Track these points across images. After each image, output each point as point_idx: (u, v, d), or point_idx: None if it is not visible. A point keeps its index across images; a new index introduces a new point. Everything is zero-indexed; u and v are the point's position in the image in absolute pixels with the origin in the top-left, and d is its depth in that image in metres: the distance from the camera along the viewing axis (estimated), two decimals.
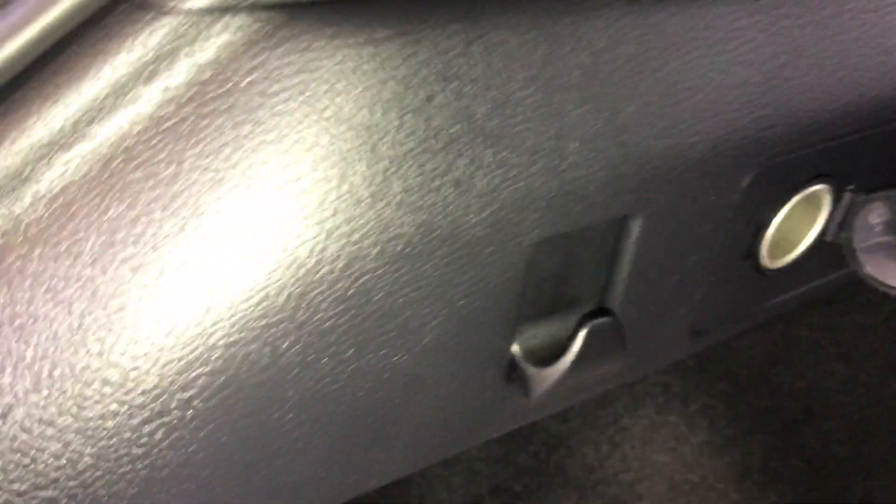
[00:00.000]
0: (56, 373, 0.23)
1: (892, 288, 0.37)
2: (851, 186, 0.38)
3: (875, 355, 0.63)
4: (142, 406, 0.23)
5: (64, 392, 0.23)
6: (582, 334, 0.29)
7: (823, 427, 0.60)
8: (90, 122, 0.22)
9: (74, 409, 0.23)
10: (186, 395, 0.23)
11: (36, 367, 0.23)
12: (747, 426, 0.59)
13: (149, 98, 0.23)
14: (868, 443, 0.59)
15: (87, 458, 0.23)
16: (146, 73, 0.23)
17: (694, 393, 0.60)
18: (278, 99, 0.23)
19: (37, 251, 0.23)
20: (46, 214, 0.23)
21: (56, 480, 0.23)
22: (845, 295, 0.61)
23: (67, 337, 0.23)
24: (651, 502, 0.55)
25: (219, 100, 0.23)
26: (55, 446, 0.23)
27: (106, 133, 0.23)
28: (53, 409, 0.23)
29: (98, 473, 0.24)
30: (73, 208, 0.23)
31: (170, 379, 0.23)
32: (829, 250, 0.40)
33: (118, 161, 0.23)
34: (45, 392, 0.23)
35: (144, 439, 0.23)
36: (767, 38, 0.30)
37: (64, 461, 0.23)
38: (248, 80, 0.23)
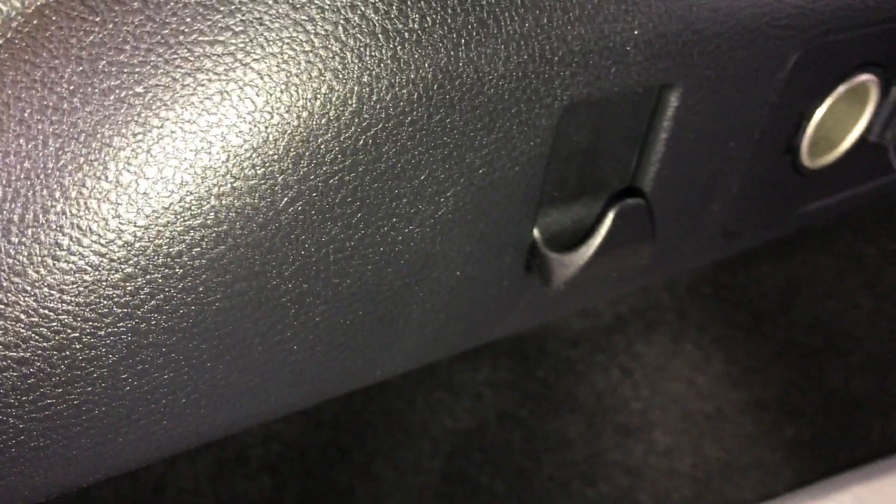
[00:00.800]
0: (28, 217, 0.20)
1: None
2: None
3: None
4: (123, 260, 0.21)
5: (37, 239, 0.21)
6: (610, 215, 0.27)
7: (845, 361, 0.58)
8: None
9: (48, 260, 0.21)
10: (174, 249, 0.21)
11: (5, 210, 0.20)
12: (766, 357, 0.57)
13: None
14: (890, 378, 0.56)
15: (62, 316, 0.21)
16: None
17: (711, 321, 0.58)
18: None
19: (8, 78, 0.20)
20: (18, 38, 0.20)
21: (27, 340, 0.21)
22: (872, 221, 0.58)
23: (41, 178, 0.20)
24: (663, 431, 0.52)
25: None
26: (26, 300, 0.21)
27: None
28: (24, 258, 0.21)
29: (74, 335, 0.21)
30: (49, 31, 0.20)
31: (155, 230, 0.20)
32: (873, 153, 0.37)
33: None
34: (15, 239, 0.20)
35: (126, 298, 0.21)
36: None
37: (36, 318, 0.21)
38: None
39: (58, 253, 0.20)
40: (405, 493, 0.54)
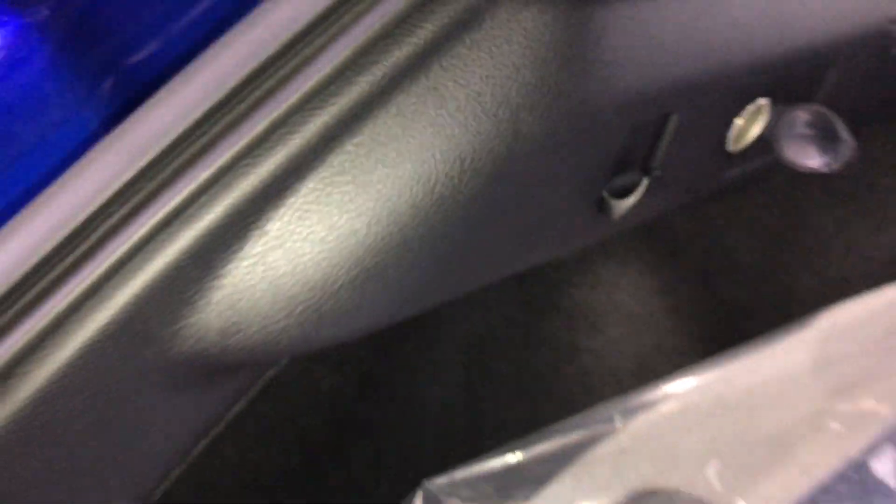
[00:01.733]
0: None
1: (803, 166, 0.60)
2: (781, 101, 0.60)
3: None
4: None
5: None
6: (644, 182, 0.49)
7: (735, 277, 0.84)
8: None
9: None
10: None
11: None
12: (680, 275, 0.82)
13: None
14: (769, 287, 0.83)
15: None
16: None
17: (642, 250, 0.82)
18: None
19: None
20: None
21: None
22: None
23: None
24: (616, 326, 0.77)
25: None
26: None
27: None
28: None
29: None
30: None
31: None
32: (766, 143, 0.62)
33: None
34: None
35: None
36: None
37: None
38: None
39: None
40: (436, 377, 0.76)
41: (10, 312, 0.29)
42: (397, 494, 0.62)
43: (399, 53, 0.34)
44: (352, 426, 0.73)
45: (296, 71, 0.32)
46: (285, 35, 0.32)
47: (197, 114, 0.31)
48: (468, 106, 0.36)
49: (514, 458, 0.66)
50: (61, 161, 0.31)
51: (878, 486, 0.57)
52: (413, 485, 0.62)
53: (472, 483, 0.65)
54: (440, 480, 0.65)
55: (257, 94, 0.32)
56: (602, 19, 0.39)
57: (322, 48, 0.33)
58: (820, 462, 0.63)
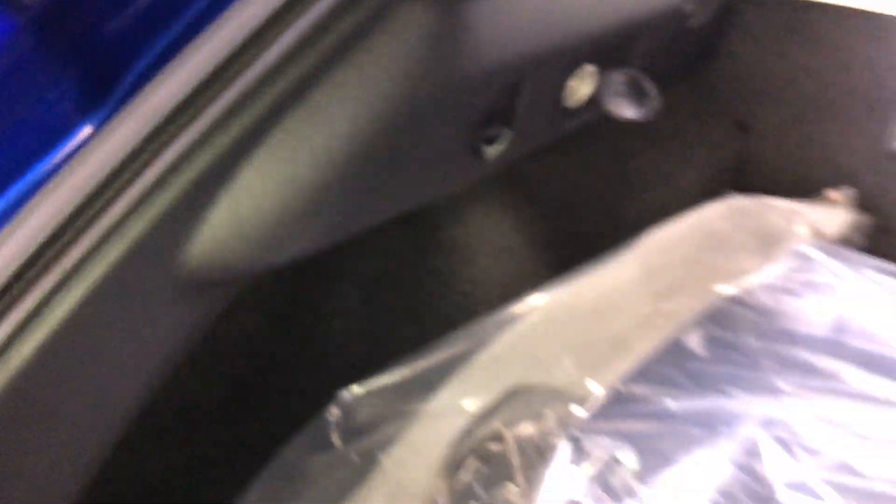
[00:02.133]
0: None
1: (622, 116, 0.76)
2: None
3: None
4: None
5: None
6: (507, 132, 0.64)
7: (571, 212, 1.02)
8: None
9: None
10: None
11: None
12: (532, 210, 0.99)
13: None
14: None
15: None
16: None
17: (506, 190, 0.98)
18: None
19: None
20: None
21: None
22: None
23: None
24: (484, 257, 0.93)
25: None
26: None
27: None
28: None
29: None
30: None
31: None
32: (596, 99, 0.78)
33: None
34: None
35: None
36: None
37: None
38: None
39: None
40: (339, 312, 0.89)
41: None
42: (313, 414, 0.75)
43: (324, 47, 0.46)
44: (270, 360, 0.85)
45: (250, 61, 0.44)
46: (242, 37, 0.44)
47: (184, 93, 0.43)
48: (373, 82, 0.49)
49: (410, 369, 0.80)
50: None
51: (689, 355, 0.75)
52: (326, 404, 0.75)
53: (378, 392, 0.78)
54: (354, 390, 0.78)
55: (223, 83, 0.44)
56: (471, 12, 0.52)
57: (272, 40, 0.45)
58: (649, 349, 0.81)
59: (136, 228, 0.43)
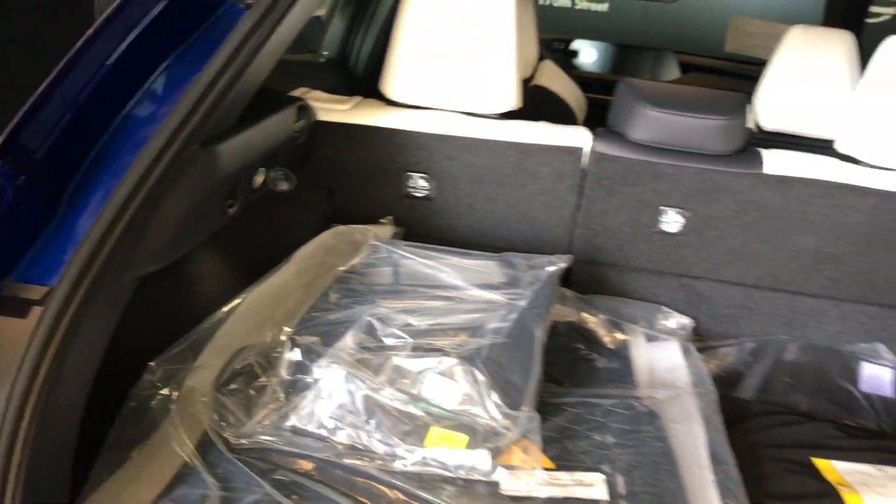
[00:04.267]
0: None
1: (280, 190, 1.54)
2: None
3: None
4: None
5: None
6: (236, 202, 1.38)
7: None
8: None
9: None
10: None
11: None
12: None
13: None
14: None
15: None
16: None
17: None
18: None
19: None
20: None
21: None
22: None
23: None
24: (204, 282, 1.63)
25: None
26: None
27: None
28: None
29: None
30: None
31: None
32: (267, 181, 1.55)
33: None
34: None
35: None
36: None
37: None
38: None
39: None
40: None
41: None
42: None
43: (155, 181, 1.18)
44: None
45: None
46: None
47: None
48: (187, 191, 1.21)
49: (184, 344, 1.44)
50: None
51: (329, 302, 1.54)
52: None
53: (167, 360, 1.41)
54: (154, 363, 1.39)
55: None
56: (223, 147, 1.27)
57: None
58: (308, 307, 1.58)
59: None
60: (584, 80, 3.67)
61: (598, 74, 4.18)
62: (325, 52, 2.77)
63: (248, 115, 1.38)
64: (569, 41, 4.25)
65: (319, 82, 2.07)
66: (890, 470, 1.43)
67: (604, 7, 4.95)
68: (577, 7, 4.97)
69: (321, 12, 2.74)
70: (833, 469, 1.41)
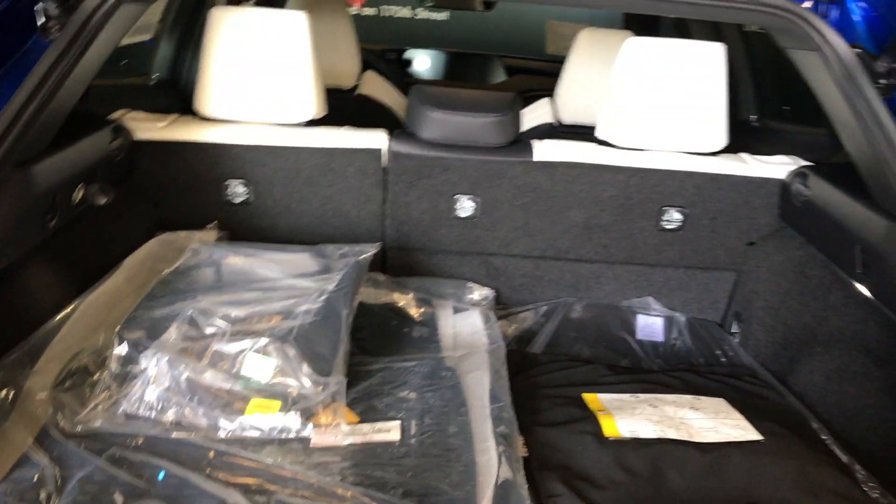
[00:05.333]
0: None
1: (100, 203, 1.70)
2: None
3: None
4: None
5: None
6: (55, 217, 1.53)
7: None
8: None
9: None
10: None
11: None
12: None
13: None
14: None
15: None
16: None
17: None
18: None
19: None
20: None
21: None
22: None
23: None
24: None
25: None
26: None
27: None
28: None
29: None
30: None
31: None
32: (86, 198, 1.69)
33: None
34: None
35: None
36: None
37: None
38: None
39: None
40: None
41: None
42: None
43: None
44: None
45: None
46: None
47: None
48: None
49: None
50: None
51: (153, 298, 1.71)
52: None
53: (8, 365, 1.54)
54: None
55: None
56: (34, 169, 1.42)
57: None
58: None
59: None
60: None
61: (430, 81, 4.46)
62: (157, 74, 2.89)
63: (62, 137, 1.54)
64: (402, 51, 4.51)
65: (149, 104, 2.22)
66: (642, 396, 1.74)
67: (444, 16, 5.22)
68: (418, 17, 5.21)
69: (147, 37, 2.87)
70: (597, 400, 1.70)
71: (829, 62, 1.63)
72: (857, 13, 1.78)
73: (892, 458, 1.51)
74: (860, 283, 1.67)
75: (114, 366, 1.54)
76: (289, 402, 1.49)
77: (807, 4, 1.73)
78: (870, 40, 1.76)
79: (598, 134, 2.05)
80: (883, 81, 1.64)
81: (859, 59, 1.64)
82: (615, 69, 2.03)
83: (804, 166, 2.00)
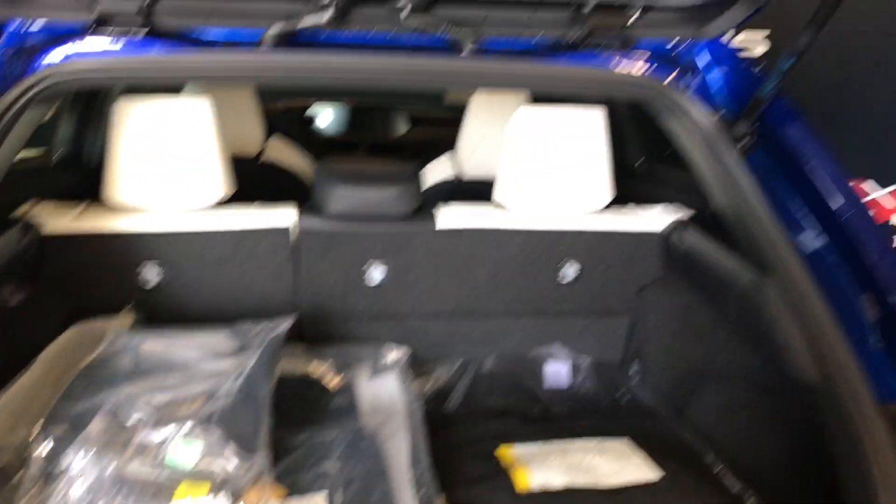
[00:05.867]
0: None
1: None
2: None
3: None
4: None
5: None
6: None
7: None
8: None
9: None
10: None
11: None
12: None
13: None
14: None
15: None
16: None
17: None
18: None
19: None
20: None
21: None
22: None
23: None
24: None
25: None
26: None
27: None
28: None
29: None
30: None
31: None
32: None
33: None
34: None
35: None
36: None
37: None
38: None
39: None
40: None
41: None
42: None
43: None
44: None
45: None
46: None
47: None
48: None
49: None
50: None
51: (76, 393, 1.73)
52: None
53: None
54: None
55: None
56: None
57: None
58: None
59: None
60: (323, 143, 4.04)
61: (333, 138, 4.56)
62: (60, 150, 2.84)
63: None
64: (304, 108, 4.60)
65: (53, 184, 2.22)
66: (552, 444, 1.86)
67: None
68: None
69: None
70: (510, 453, 1.82)
71: (692, 129, 1.82)
72: (719, 81, 1.98)
73: (782, 483, 1.67)
74: (737, 326, 1.85)
75: (34, 467, 1.56)
76: (217, 484, 1.54)
77: (670, 78, 1.93)
78: (733, 103, 1.96)
79: (497, 198, 2.20)
80: (742, 143, 1.83)
81: (719, 125, 1.83)
82: (507, 137, 2.18)
83: (679, 220, 2.19)
